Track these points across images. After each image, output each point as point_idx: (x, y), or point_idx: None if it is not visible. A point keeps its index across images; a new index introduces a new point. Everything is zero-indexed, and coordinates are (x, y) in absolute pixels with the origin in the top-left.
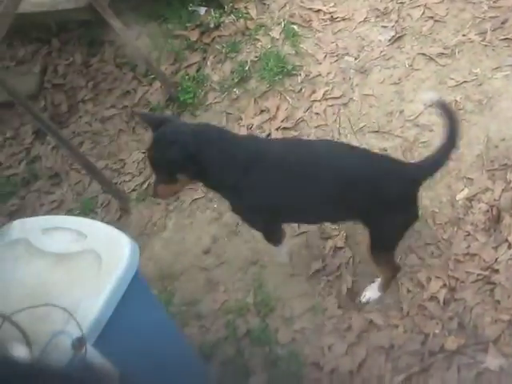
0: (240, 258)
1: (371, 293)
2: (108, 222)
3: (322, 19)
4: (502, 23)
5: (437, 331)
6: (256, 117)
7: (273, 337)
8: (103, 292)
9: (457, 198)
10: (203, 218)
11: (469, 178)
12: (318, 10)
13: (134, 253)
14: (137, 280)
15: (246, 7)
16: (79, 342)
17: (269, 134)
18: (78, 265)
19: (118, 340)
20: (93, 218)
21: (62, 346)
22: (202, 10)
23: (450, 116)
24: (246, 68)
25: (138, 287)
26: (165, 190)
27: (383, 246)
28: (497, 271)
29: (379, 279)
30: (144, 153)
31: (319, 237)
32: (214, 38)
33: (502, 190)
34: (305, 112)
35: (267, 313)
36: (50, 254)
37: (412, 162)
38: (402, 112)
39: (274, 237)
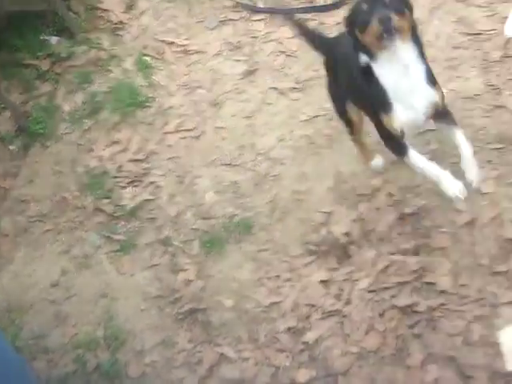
0: (89, 291)
1: None
2: None
3: (175, 51)
4: None
5: (287, 364)
6: (107, 148)
7: (123, 371)
8: None
9: (310, 231)
10: (52, 250)
11: (320, 212)
12: (172, 43)
13: None
14: None
15: (98, 37)
16: None
17: (120, 166)
18: None
19: None
20: None
21: None
22: (54, 40)
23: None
24: (98, 99)
25: None
26: None
27: None
28: (348, 302)
29: None
30: None
31: (171, 270)
32: (65, 68)
33: (353, 220)
34: (157, 144)
35: (118, 346)
36: None
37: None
38: (253, 145)
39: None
